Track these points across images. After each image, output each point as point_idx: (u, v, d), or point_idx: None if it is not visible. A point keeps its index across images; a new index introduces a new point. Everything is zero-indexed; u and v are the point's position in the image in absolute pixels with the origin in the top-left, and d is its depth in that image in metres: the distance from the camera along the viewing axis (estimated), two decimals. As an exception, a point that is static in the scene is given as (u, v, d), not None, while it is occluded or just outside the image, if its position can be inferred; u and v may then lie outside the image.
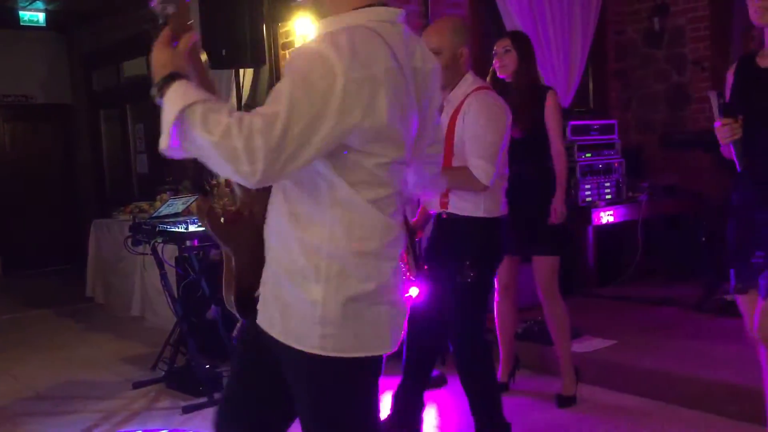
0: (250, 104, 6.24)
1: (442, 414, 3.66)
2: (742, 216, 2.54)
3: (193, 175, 6.84)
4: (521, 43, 3.59)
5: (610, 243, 5.60)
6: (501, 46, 3.58)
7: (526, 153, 3.47)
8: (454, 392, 3.86)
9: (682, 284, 5.12)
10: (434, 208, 2.96)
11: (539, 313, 4.46)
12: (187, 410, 3.78)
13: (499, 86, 3.51)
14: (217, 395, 3.90)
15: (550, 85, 3.74)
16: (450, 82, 2.81)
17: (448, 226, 2.89)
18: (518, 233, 3.45)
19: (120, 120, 8.62)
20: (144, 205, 6.20)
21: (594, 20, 6.23)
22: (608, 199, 5.31)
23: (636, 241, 5.49)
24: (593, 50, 6.35)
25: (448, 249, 2.89)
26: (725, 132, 2.43)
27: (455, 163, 2.82)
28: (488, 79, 3.61)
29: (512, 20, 5.69)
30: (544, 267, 3.53)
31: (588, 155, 5.27)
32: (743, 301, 2.58)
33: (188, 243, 3.88)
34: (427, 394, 3.81)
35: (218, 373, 4.08)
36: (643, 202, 5.43)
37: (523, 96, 3.49)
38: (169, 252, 4.42)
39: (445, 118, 2.78)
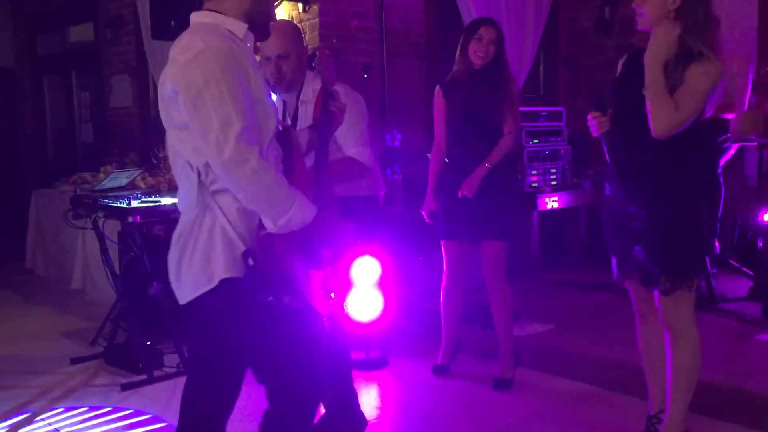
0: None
1: (383, 396, 3.70)
2: (614, 208, 2.67)
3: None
4: (502, 35, 3.62)
5: (555, 228, 5.70)
6: (487, 35, 3.54)
7: (486, 138, 3.53)
8: (394, 374, 3.91)
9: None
10: None
11: (482, 296, 4.56)
12: (125, 387, 3.74)
13: (467, 71, 3.56)
14: (157, 372, 3.87)
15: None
16: (297, 83, 2.87)
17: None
18: (471, 218, 3.51)
19: (65, 87, 8.38)
20: (87, 176, 6.06)
21: (547, 6, 6.27)
22: (554, 185, 5.40)
23: (579, 226, 5.61)
24: (545, 36, 6.40)
25: None
26: (593, 125, 2.58)
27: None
28: (457, 62, 3.61)
29: (467, 4, 5.69)
30: (494, 252, 3.56)
31: (535, 141, 5.34)
32: (628, 283, 2.78)
33: (130, 219, 3.81)
34: (369, 375, 3.86)
35: (158, 350, 4.04)
36: (587, 188, 5.54)
37: (494, 88, 3.53)
38: (112, 226, 4.35)
39: (308, 117, 2.82)
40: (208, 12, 1.97)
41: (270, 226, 1.88)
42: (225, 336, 2.00)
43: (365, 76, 4.54)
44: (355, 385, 2.93)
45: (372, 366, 3.94)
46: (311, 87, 2.86)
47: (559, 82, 6.68)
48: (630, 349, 3.01)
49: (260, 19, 2.02)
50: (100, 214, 3.99)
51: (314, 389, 2.08)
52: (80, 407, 3.55)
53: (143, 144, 6.75)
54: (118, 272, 4.14)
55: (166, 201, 4.01)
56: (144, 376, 3.82)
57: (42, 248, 6.44)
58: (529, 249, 5.48)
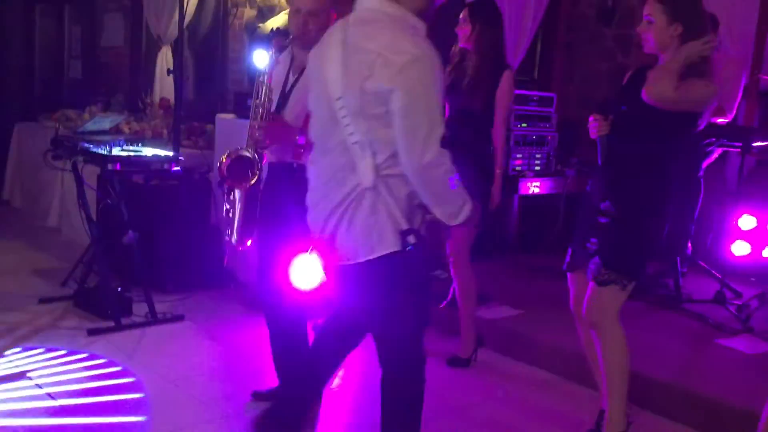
0: (195, 26, 6.06)
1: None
2: (590, 202, 2.80)
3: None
4: (480, 13, 3.54)
5: (535, 213, 5.74)
6: (462, 14, 3.56)
7: (468, 123, 3.51)
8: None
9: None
10: (275, 157, 2.90)
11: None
12: (92, 333, 3.76)
13: (460, 54, 3.57)
14: (124, 320, 3.89)
15: (504, 60, 3.65)
16: (317, 42, 2.82)
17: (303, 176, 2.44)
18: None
19: (57, 19, 8.23)
20: (72, 113, 6.01)
21: (549, -10, 6.23)
22: (537, 170, 5.42)
23: (559, 213, 5.64)
24: (545, 20, 6.36)
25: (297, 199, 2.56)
26: (594, 127, 2.71)
27: None
28: (455, 46, 3.62)
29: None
30: (460, 236, 3.55)
31: (524, 125, 5.34)
32: (572, 279, 2.93)
33: (110, 166, 3.80)
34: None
35: (128, 298, 4.06)
36: (570, 176, 5.56)
37: (477, 69, 3.48)
38: (91, 170, 4.32)
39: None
40: (389, 2, 2.05)
41: (444, 218, 2.12)
42: (374, 299, 2.19)
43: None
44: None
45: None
46: None
47: (554, 67, 6.66)
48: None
49: (426, 20, 2.11)
50: (80, 159, 3.96)
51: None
52: (49, 349, 3.56)
53: (132, 86, 6.68)
54: (93, 218, 4.13)
55: (148, 151, 3.99)
56: (111, 323, 3.84)
57: (20, 182, 6.41)
58: (507, 232, 5.52)
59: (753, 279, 4.93)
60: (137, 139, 4.91)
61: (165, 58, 6.03)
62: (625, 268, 2.70)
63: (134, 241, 4.01)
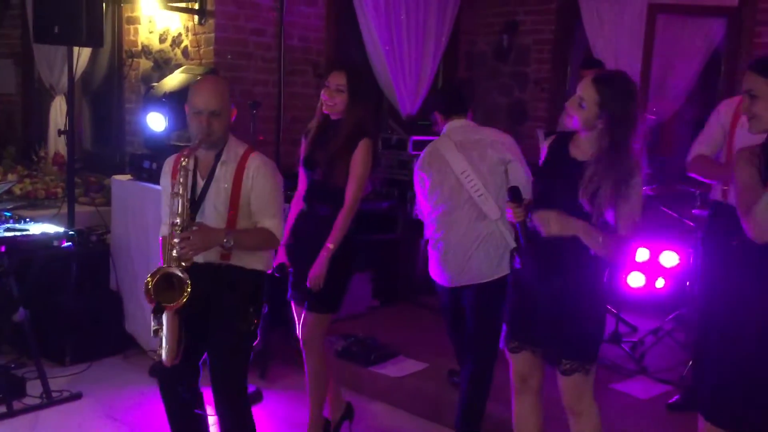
0: (87, 79, 5.89)
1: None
2: (523, 282, 2.75)
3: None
4: (357, 82, 3.23)
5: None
6: (334, 82, 3.21)
7: (328, 198, 3.29)
8: (268, 409, 3.93)
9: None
10: (202, 257, 2.76)
11: (360, 328, 4.64)
12: (-18, 420, 3.59)
13: (323, 119, 3.32)
14: (17, 404, 3.72)
15: (368, 131, 3.28)
16: (222, 141, 2.80)
17: (229, 275, 2.82)
18: (301, 278, 3.27)
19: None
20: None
21: (448, 30, 6.38)
22: (441, 213, 5.49)
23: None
24: (445, 58, 6.50)
25: (228, 298, 2.82)
26: (509, 214, 2.70)
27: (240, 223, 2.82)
28: (318, 109, 3.33)
29: (368, 23, 5.71)
30: (311, 321, 3.31)
31: (426, 169, 5.41)
32: (515, 359, 2.81)
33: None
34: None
35: (20, 378, 3.90)
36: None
37: (341, 144, 3.22)
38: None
39: (227, 178, 2.77)
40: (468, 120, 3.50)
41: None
42: (491, 307, 3.20)
43: (254, 112, 4.41)
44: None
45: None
46: (234, 149, 2.82)
47: (456, 104, 6.78)
48: (501, 397, 3.15)
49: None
50: (-37, 236, 3.77)
51: None
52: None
53: (24, 137, 6.43)
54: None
55: (36, 228, 3.83)
56: (4, 408, 3.67)
57: None
58: (415, 274, 5.59)
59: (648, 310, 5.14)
60: (29, 203, 4.75)
61: (59, 109, 5.83)
62: (582, 356, 2.64)
63: (26, 318, 3.86)
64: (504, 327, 2.86)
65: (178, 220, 2.65)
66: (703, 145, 3.54)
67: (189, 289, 2.59)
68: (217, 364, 2.82)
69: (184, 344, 2.76)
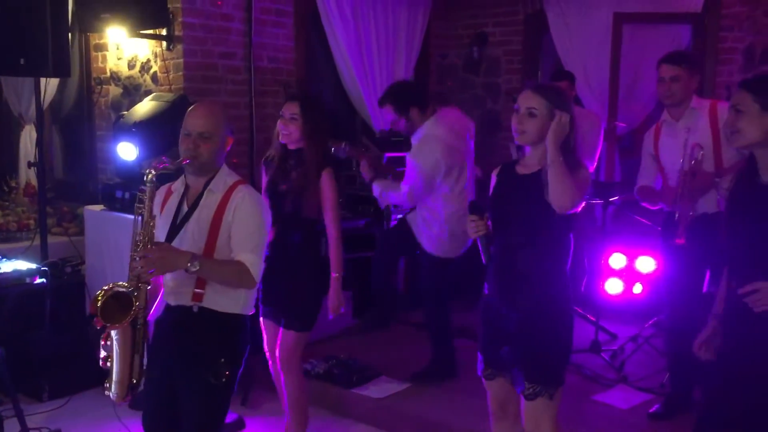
0: (56, 107, 5.83)
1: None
2: (490, 307, 2.74)
3: None
4: (311, 110, 3.31)
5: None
6: (288, 111, 3.32)
7: (297, 226, 3.36)
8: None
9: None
10: (173, 299, 2.66)
11: (342, 351, 4.62)
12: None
13: (282, 148, 3.41)
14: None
15: (330, 160, 3.44)
16: (210, 168, 2.67)
17: (199, 321, 2.62)
18: (275, 299, 3.36)
19: None
20: None
21: (418, 44, 6.39)
22: (418, 228, 5.49)
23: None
24: (417, 71, 6.52)
25: (196, 347, 2.63)
26: (471, 227, 2.68)
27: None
28: (275, 139, 3.46)
29: (337, 41, 5.71)
30: (292, 339, 3.36)
31: (401, 186, 5.41)
32: (490, 386, 2.79)
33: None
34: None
35: (-1, 418, 3.83)
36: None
37: (305, 174, 3.31)
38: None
39: (210, 207, 2.64)
40: None
41: None
42: None
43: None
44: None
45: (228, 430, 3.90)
46: (224, 179, 2.69)
47: (429, 117, 6.80)
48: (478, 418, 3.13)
49: None
50: None
51: None
52: None
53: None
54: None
55: (8, 266, 3.78)
56: (-18, 451, 3.61)
57: None
58: (395, 291, 5.59)
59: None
60: (1, 236, 4.70)
61: (29, 138, 5.77)
62: (545, 378, 2.62)
63: (0, 355, 3.79)
64: (479, 356, 2.81)
65: (138, 238, 2.53)
66: (642, 177, 3.89)
67: (137, 304, 2.46)
68: (186, 422, 2.62)
69: (162, 395, 2.62)
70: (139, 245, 2.52)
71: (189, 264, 2.46)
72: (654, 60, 5.71)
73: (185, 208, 2.70)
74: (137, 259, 2.47)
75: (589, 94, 5.91)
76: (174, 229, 2.67)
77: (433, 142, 4.00)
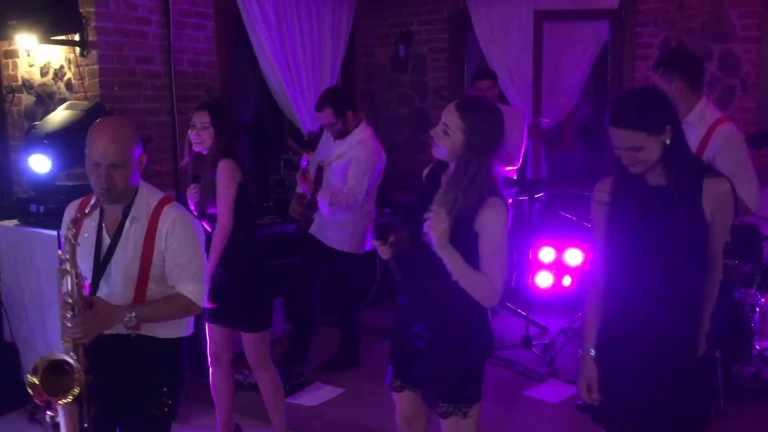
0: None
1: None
2: (402, 320, 2.60)
3: None
4: (219, 117, 3.37)
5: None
6: (199, 121, 3.37)
7: (213, 223, 3.40)
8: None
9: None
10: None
11: (275, 356, 4.55)
12: None
13: (195, 157, 3.46)
14: None
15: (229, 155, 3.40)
16: (127, 194, 2.48)
17: (138, 349, 2.52)
18: (224, 304, 3.34)
19: None
20: None
21: (344, 42, 6.34)
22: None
23: (375, 268, 5.74)
24: (344, 71, 6.48)
25: (136, 377, 2.52)
26: (380, 251, 2.52)
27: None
28: (188, 149, 3.49)
29: (260, 42, 5.61)
30: (254, 341, 3.41)
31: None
32: (398, 399, 2.65)
33: None
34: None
35: None
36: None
37: (212, 172, 3.37)
38: None
39: (136, 238, 2.46)
40: None
41: None
42: None
43: (146, 144, 4.26)
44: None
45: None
46: (146, 201, 2.50)
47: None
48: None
49: None
50: None
51: None
52: None
53: None
54: None
55: None
56: None
57: None
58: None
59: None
60: None
61: (-63, 150, 5.49)
62: (460, 399, 2.46)
63: None
64: (389, 367, 2.67)
65: (69, 300, 2.29)
66: None
67: (82, 376, 2.27)
68: None
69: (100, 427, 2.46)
70: (69, 309, 2.30)
71: (126, 318, 2.34)
72: (576, 52, 5.86)
73: (106, 238, 2.48)
74: (70, 325, 2.28)
75: (513, 91, 5.98)
76: (99, 268, 2.46)
77: (373, 139, 4.48)
